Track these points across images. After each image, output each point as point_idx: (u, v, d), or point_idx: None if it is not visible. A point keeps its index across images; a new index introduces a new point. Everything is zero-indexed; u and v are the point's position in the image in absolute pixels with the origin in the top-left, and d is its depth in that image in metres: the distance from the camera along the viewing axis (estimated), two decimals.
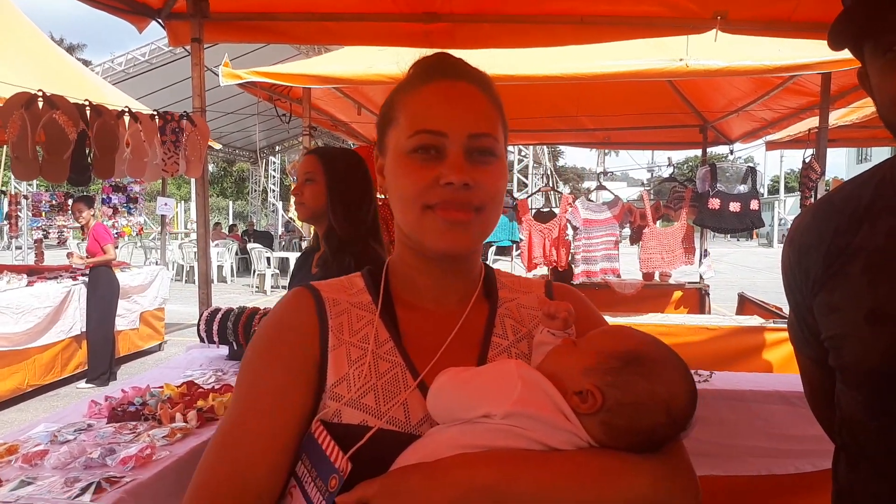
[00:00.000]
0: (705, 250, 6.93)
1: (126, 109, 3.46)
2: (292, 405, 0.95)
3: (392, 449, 0.89)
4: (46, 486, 1.92)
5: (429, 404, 0.92)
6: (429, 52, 1.07)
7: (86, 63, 15.39)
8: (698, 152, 7.98)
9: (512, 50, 4.25)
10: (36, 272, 7.66)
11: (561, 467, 0.86)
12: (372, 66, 4.78)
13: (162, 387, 2.87)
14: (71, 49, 38.61)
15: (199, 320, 3.59)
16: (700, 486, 0.93)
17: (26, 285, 6.65)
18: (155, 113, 3.66)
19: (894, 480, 1.06)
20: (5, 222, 13.46)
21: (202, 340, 3.60)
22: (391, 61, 4.95)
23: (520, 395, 0.87)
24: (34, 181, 17.34)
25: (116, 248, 7.98)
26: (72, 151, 3.04)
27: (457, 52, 1.07)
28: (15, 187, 15.83)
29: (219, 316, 3.54)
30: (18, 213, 12.08)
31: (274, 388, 0.96)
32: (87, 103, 3.20)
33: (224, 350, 3.64)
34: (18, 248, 17.40)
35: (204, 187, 3.89)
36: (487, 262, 1.16)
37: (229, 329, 3.50)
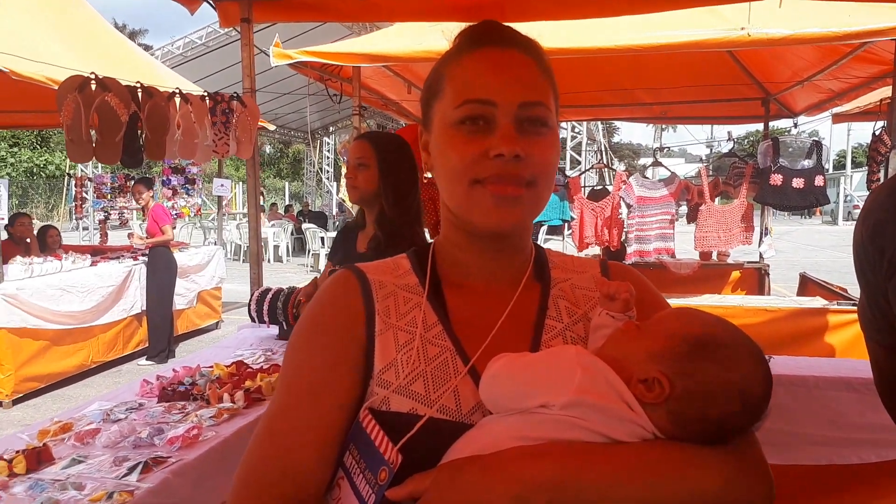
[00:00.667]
0: (766, 228, 6.67)
1: (177, 91, 3.49)
2: (338, 392, 0.91)
3: (443, 439, 0.84)
4: (96, 465, 1.97)
5: (482, 393, 0.86)
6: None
7: (146, 48, 15.75)
8: (760, 126, 7.65)
9: (563, 22, 4.12)
10: (99, 252, 7.91)
11: (625, 461, 0.80)
12: (421, 43, 4.72)
13: (212, 366, 2.91)
14: (133, 34, 39.72)
15: (250, 300, 3.63)
16: (774, 479, 0.86)
17: (90, 265, 6.87)
18: (205, 94, 3.68)
19: None
20: (73, 204, 13.99)
21: (252, 320, 3.65)
22: (441, 37, 4.87)
23: (580, 383, 0.82)
24: (97, 163, 17.95)
25: (174, 228, 8.18)
26: (124, 133, 3.08)
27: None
28: (81, 170, 16.41)
29: (269, 296, 3.57)
30: (84, 195, 12.50)
31: (319, 373, 0.92)
32: (138, 85, 3.24)
33: (274, 330, 3.67)
34: (85, 228, 18.09)
35: (255, 168, 3.92)
36: (538, 242, 1.09)
37: (279, 309, 3.52)
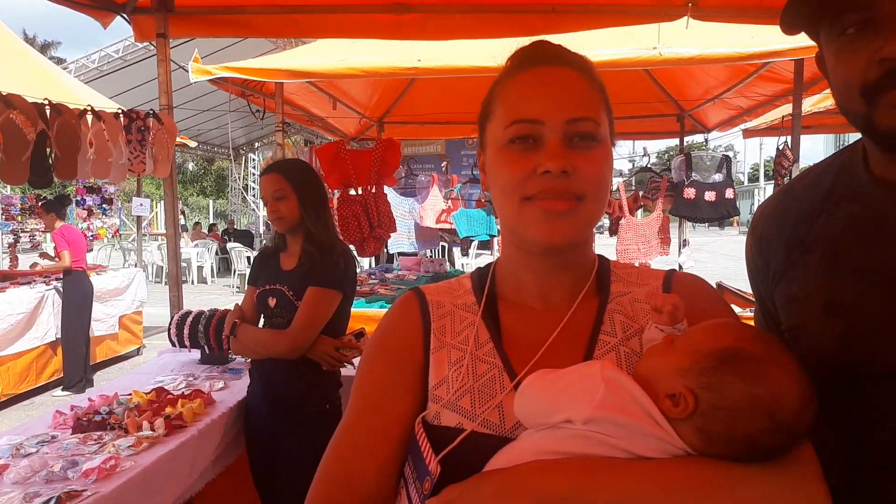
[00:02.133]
0: (685, 239, 6.93)
1: (88, 108, 3.37)
2: (397, 407, 0.97)
3: (485, 452, 0.87)
4: (4, 503, 1.86)
5: (515, 408, 0.88)
6: (526, 41, 1.03)
7: (59, 61, 15.17)
8: (677, 141, 7.98)
9: (483, 41, 4.20)
10: (9, 277, 7.50)
11: (647, 477, 0.78)
12: (346, 59, 4.72)
13: (131, 394, 2.80)
14: (45, 47, 38.08)
15: (170, 324, 3.51)
16: (830, 498, 0.82)
17: None
18: (119, 111, 3.56)
19: (836, 478, 1.04)
20: None
21: (173, 345, 3.53)
22: (365, 54, 4.89)
23: (602, 398, 0.81)
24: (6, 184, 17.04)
25: (90, 251, 7.84)
26: (31, 152, 2.94)
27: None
28: None
29: (189, 319, 3.47)
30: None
31: (380, 390, 0.99)
32: (46, 102, 3.11)
33: (196, 354, 3.56)
34: None
35: (173, 187, 3.81)
36: (599, 255, 1.09)
37: (200, 332, 3.42)
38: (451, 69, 4.51)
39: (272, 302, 2.68)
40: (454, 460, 0.87)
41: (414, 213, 5.98)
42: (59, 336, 6.86)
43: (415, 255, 6.82)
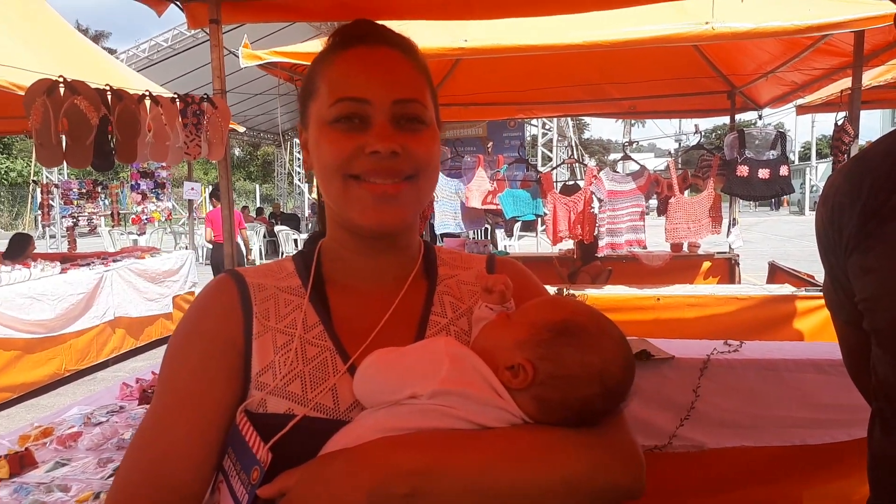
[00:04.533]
0: (734, 219, 6.80)
1: (147, 93, 3.47)
2: (213, 397, 0.90)
3: (320, 437, 0.85)
4: (80, 467, 1.96)
5: (355, 388, 0.87)
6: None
7: (111, 51, 15.52)
8: (727, 119, 7.79)
9: (532, 20, 4.17)
10: (69, 259, 7.79)
11: (491, 446, 0.82)
12: None
13: None
14: (96, 38, 38.99)
15: None
16: (643, 459, 0.89)
17: (59, 272, 6.77)
18: (175, 96, 3.66)
19: None
20: (38, 212, 13.73)
21: None
22: (411, 35, 4.89)
23: (447, 372, 0.84)
24: (64, 169, 17.62)
25: (143, 234, 8.25)
26: (94, 136, 3.05)
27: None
28: (47, 176, 16.09)
29: None
30: (50, 202, 12.29)
31: (193, 380, 0.91)
32: (108, 88, 3.21)
33: None
34: (52, 236, 17.77)
35: (227, 170, 3.90)
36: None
37: None
38: (499, 48, 4.47)
39: None
40: (285, 447, 0.83)
41: (460, 193, 6.00)
42: (116, 315, 7.10)
43: (459, 235, 6.85)
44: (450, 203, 5.99)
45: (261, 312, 0.96)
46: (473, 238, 8.22)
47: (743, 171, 5.41)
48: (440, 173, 6.17)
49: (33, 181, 12.94)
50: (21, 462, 1.94)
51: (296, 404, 0.88)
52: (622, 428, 0.90)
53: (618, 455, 0.86)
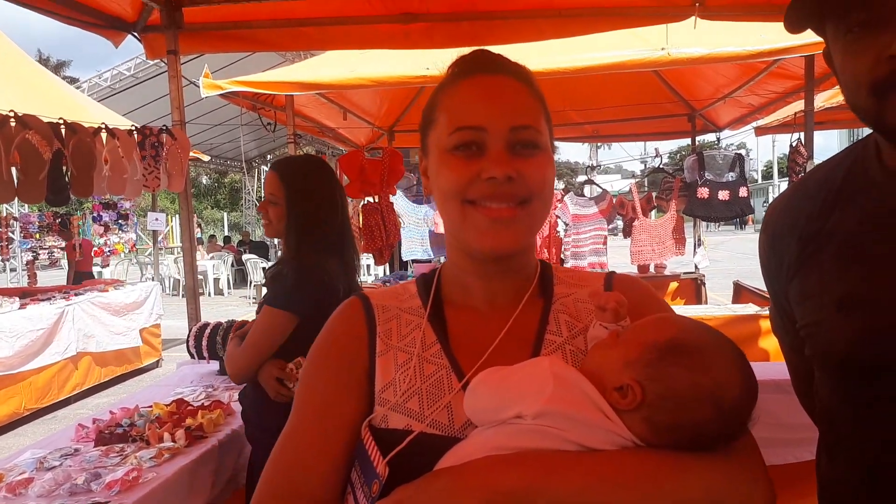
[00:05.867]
0: (699, 239, 6.90)
1: (103, 126, 3.42)
2: (342, 413, 0.96)
3: (434, 453, 0.87)
4: None
5: (465, 407, 0.89)
6: (466, 50, 1.04)
7: (72, 80, 15.36)
8: (689, 141, 7.95)
9: (491, 47, 4.21)
10: (29, 294, 7.60)
11: (596, 468, 0.80)
12: (354, 70, 4.76)
13: (151, 406, 2.83)
14: (58, 66, 38.55)
15: (189, 336, 3.54)
16: (773, 486, 0.85)
17: (18, 308, 6.60)
18: (133, 128, 3.61)
19: (864, 469, 1.03)
20: None
21: (192, 356, 3.56)
22: (373, 63, 4.93)
23: (552, 393, 0.82)
24: (16, 203, 17.27)
25: (106, 266, 7.99)
26: (48, 171, 2.99)
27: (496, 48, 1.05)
28: (7, 209, 15.75)
29: (207, 331, 3.50)
30: (10, 235, 12.01)
31: (324, 397, 0.98)
32: (61, 121, 3.16)
33: (215, 365, 3.59)
34: (13, 269, 17.34)
35: (187, 201, 3.85)
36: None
37: (219, 343, 3.45)
38: None
39: None
40: (403, 462, 0.87)
41: (428, 219, 6.00)
42: (79, 350, 6.93)
43: (429, 261, 6.84)
44: (417, 229, 5.99)
45: (384, 332, 1.02)
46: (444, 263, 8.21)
47: (703, 192, 5.51)
48: (405, 199, 6.17)
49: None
50: None
51: (414, 420, 0.92)
52: (748, 453, 0.86)
53: (740, 479, 0.83)
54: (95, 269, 13.63)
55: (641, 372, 0.85)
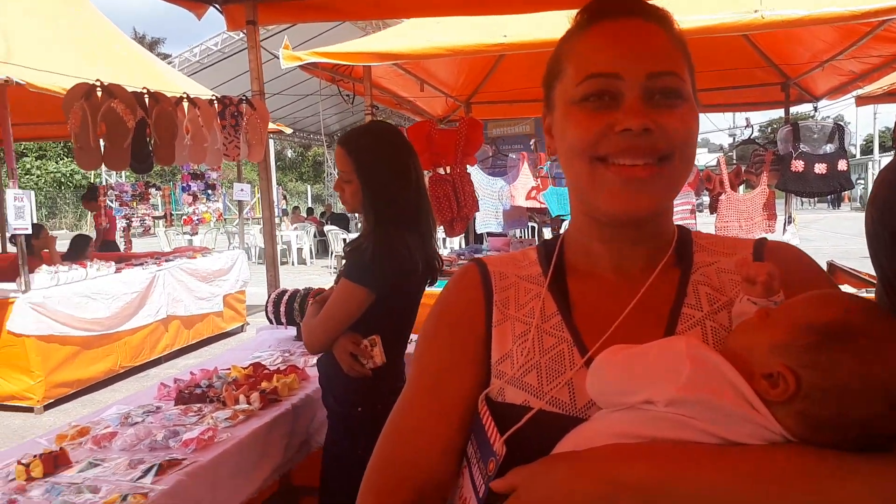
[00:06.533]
0: (790, 216, 6.55)
1: (185, 95, 3.51)
2: (459, 383, 0.92)
3: (553, 432, 0.81)
4: (112, 468, 1.98)
5: (588, 387, 0.80)
6: None
7: (165, 56, 15.95)
8: (782, 112, 7.51)
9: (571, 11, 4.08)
10: (124, 259, 8.02)
11: (738, 464, 0.69)
12: (431, 39, 4.70)
13: (229, 369, 2.93)
14: (153, 44, 40.20)
15: (267, 302, 3.64)
16: None
17: (114, 272, 6.97)
18: (213, 98, 3.70)
19: None
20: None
21: (270, 322, 3.66)
22: (451, 33, 4.87)
23: (688, 378, 0.72)
24: (121, 172, 18.17)
25: (195, 234, 8.29)
26: (132, 139, 3.10)
27: None
28: (105, 179, 16.62)
29: (285, 297, 3.58)
30: (108, 203, 12.69)
31: (440, 366, 0.94)
32: (144, 91, 3.26)
33: (292, 331, 3.68)
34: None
35: (268, 170, 3.94)
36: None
37: (295, 310, 3.53)
38: (540, 43, 4.40)
39: None
40: (520, 440, 0.81)
41: (503, 192, 5.94)
42: (169, 313, 7.27)
43: (504, 235, 6.78)
44: (491, 202, 5.93)
45: (501, 301, 0.95)
46: (519, 237, 8.13)
47: (798, 165, 5.20)
48: (481, 172, 6.11)
49: (92, 184, 13.37)
50: (55, 462, 1.97)
51: (532, 396, 0.85)
52: None
53: None
54: (186, 238, 14.26)
55: (796, 358, 0.72)
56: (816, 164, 5.24)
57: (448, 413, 0.91)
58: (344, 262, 2.39)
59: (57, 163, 30.85)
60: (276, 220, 4.32)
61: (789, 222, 6.46)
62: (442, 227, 5.12)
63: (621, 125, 0.81)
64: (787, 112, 7.46)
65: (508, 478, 0.79)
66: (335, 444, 2.42)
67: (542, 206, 5.90)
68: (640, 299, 0.89)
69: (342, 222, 18.83)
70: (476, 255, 5.94)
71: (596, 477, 0.72)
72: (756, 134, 7.20)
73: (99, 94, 3.08)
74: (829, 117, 7.51)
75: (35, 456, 1.98)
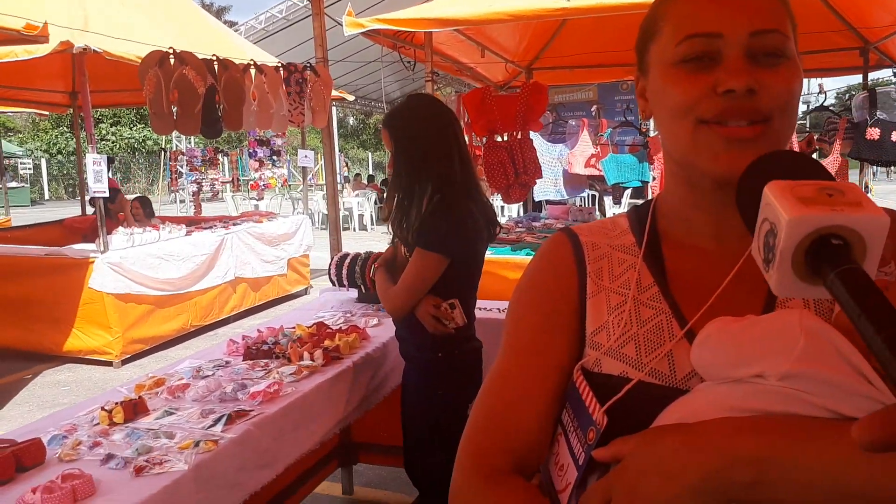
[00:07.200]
0: (865, 186, 6.29)
1: (251, 62, 3.60)
2: (553, 353, 0.92)
3: (655, 404, 0.80)
4: (185, 417, 2.11)
5: (693, 358, 0.79)
6: None
7: (231, 24, 16.21)
8: (859, 78, 7.15)
9: None
10: (194, 223, 8.32)
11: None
12: (492, 5, 4.67)
13: (294, 327, 3.05)
14: (219, 12, 40.87)
15: (330, 265, 3.76)
16: None
17: (185, 235, 7.25)
18: (279, 65, 3.78)
19: None
20: (169, 177, 14.70)
21: (333, 284, 3.78)
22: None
23: (802, 351, 0.70)
24: (191, 137, 18.70)
25: (261, 199, 8.47)
26: (202, 105, 3.21)
27: None
28: (176, 144, 17.14)
29: (347, 261, 3.69)
30: (178, 169, 13.13)
31: (533, 335, 0.94)
32: (214, 58, 3.36)
33: (354, 293, 3.79)
34: (182, 201, 18.99)
35: (330, 137, 4.01)
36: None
37: (357, 273, 3.63)
38: (603, 7, 4.32)
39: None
40: (619, 410, 0.80)
41: (562, 159, 5.89)
42: (237, 276, 7.55)
43: (563, 203, 6.74)
44: (551, 169, 5.89)
45: (594, 272, 0.94)
46: (578, 206, 8.06)
47: (873, 133, 4.98)
48: (540, 138, 6.05)
49: (163, 149, 13.82)
50: (135, 409, 2.12)
51: (630, 367, 0.85)
52: None
53: None
54: (253, 203, 14.65)
55: None
56: (894, 132, 5.00)
57: (545, 381, 0.91)
58: (414, 232, 2.46)
59: (131, 129, 31.95)
60: (339, 187, 4.40)
61: (865, 192, 6.21)
62: (498, 194, 5.13)
63: (724, 85, 0.79)
64: (864, 78, 7.10)
65: (612, 447, 0.78)
66: (416, 385, 2.64)
67: (599, 173, 5.83)
68: (740, 269, 0.86)
69: None
70: (534, 224, 5.92)
71: (710, 450, 0.70)
72: (831, 101, 6.87)
73: (172, 61, 3.19)
74: None
75: (117, 403, 2.13)
